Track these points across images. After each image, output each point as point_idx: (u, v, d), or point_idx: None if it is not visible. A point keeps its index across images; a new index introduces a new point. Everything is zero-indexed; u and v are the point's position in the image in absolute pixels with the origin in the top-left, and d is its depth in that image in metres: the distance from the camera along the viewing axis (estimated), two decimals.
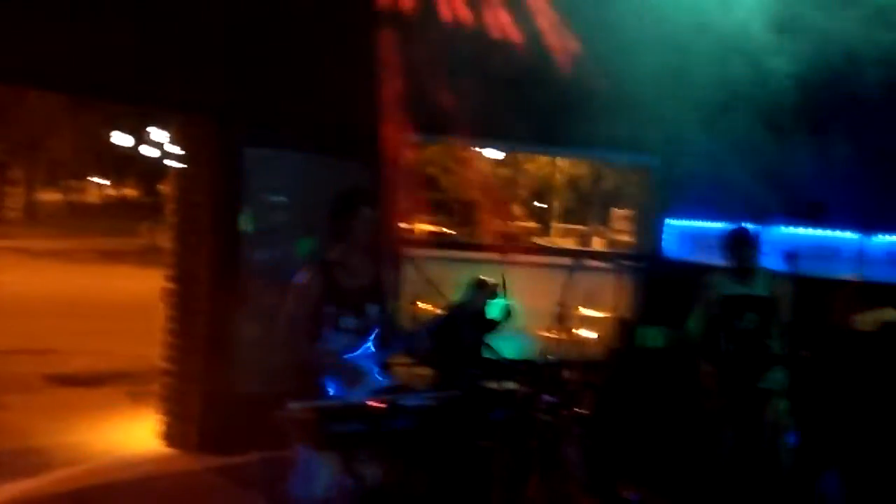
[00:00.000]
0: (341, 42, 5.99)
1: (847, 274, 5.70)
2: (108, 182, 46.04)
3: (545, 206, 34.13)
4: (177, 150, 6.34)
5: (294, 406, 3.38)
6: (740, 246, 4.87)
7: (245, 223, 5.92)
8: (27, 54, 5.16)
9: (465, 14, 6.21)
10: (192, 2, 5.67)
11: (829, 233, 5.88)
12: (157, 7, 5.55)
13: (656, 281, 6.88)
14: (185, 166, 6.23)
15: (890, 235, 5.88)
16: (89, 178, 43.14)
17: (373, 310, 3.97)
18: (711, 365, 4.90)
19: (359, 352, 3.95)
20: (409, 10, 5.97)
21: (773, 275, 4.90)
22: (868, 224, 6.14)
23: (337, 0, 6.02)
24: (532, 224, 35.15)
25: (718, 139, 6.98)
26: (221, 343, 5.91)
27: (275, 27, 5.83)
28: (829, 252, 5.88)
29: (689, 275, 6.37)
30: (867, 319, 4.70)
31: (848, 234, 5.88)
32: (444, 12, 6.18)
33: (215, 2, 5.75)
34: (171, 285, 6.23)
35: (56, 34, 5.19)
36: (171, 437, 6.12)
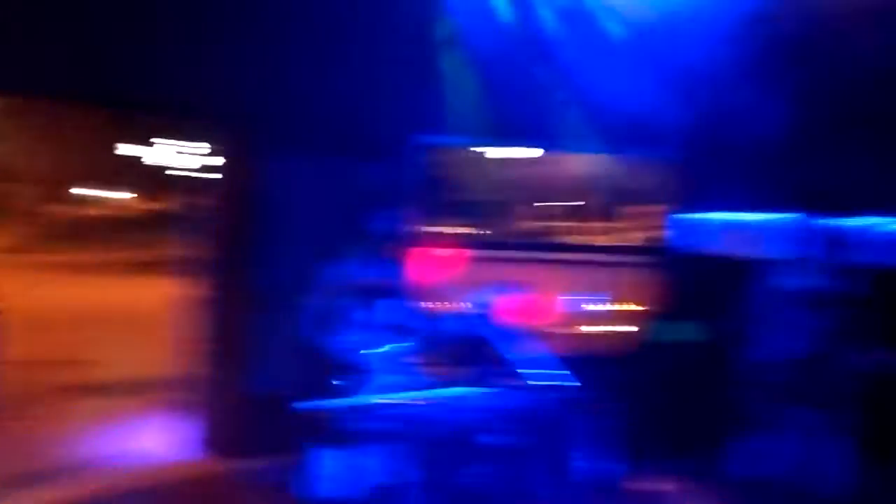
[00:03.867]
0: (364, 47, 6.03)
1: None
2: (123, 195, 46.32)
3: (571, 204, 34.14)
4: (192, 160, 6.40)
5: (305, 406, 3.41)
6: (811, 235, 4.66)
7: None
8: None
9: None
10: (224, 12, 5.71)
11: (851, 221, 5.81)
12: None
13: (682, 275, 6.86)
14: (208, 174, 6.27)
15: None
16: (103, 190, 43.42)
17: (392, 306, 4.03)
18: (762, 361, 4.65)
19: (377, 348, 3.99)
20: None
21: (826, 266, 4.66)
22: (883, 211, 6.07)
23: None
24: (558, 223, 35.14)
25: (735, 134, 6.97)
26: (246, 348, 5.95)
27: (296, 32, 5.87)
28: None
29: (715, 268, 6.37)
30: None
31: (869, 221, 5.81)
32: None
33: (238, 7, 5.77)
34: (194, 293, 6.27)
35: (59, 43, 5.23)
36: (195, 442, 6.18)
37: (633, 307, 6.20)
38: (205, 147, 6.32)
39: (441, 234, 6.83)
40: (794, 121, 6.81)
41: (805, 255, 4.54)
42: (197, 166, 6.35)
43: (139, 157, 34.33)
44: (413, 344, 4.13)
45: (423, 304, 5.63)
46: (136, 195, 46.27)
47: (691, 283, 6.51)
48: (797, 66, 6.63)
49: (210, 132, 6.23)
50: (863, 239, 5.36)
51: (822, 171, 6.62)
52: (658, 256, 7.20)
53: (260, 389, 5.88)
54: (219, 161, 6.17)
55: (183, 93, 5.68)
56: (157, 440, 6.40)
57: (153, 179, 39.73)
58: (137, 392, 8.03)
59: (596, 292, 5.07)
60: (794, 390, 4.47)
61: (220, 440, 6.02)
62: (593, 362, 5.48)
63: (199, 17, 5.53)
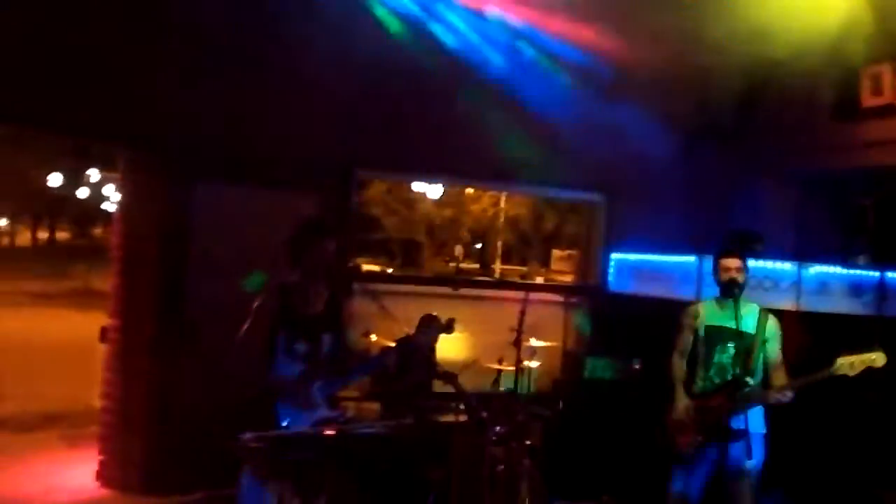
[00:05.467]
0: (288, 77, 6.01)
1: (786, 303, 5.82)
2: (39, 225, 44.83)
3: (485, 246, 34.35)
4: (114, 191, 6.26)
5: (246, 436, 3.33)
6: (728, 264, 4.45)
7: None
8: None
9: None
10: (147, 35, 5.63)
11: (766, 264, 6.02)
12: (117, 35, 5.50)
13: (602, 313, 6.98)
14: (130, 202, 6.13)
15: (822, 266, 6.04)
16: (20, 220, 41.96)
17: (327, 338, 3.97)
18: (689, 399, 4.52)
19: (311, 379, 3.93)
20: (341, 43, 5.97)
21: (758, 308, 4.55)
22: (802, 255, 6.31)
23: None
24: (474, 265, 35.34)
25: (660, 177, 7.17)
26: (165, 381, 5.77)
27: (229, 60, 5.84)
28: (768, 283, 6.02)
29: (633, 307, 6.51)
30: (851, 363, 4.07)
31: (785, 266, 6.03)
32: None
33: (168, 35, 5.71)
34: (112, 324, 6.08)
35: None
36: (111, 478, 5.93)
37: (556, 344, 6.27)
38: (132, 175, 6.13)
39: (368, 269, 6.83)
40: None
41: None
42: (124, 195, 6.17)
43: (60, 189, 33.24)
44: (344, 376, 4.08)
45: (354, 338, 5.59)
46: (49, 226, 44.91)
47: (614, 322, 6.63)
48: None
49: (138, 159, 6.06)
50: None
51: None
52: (583, 295, 7.33)
53: (184, 424, 5.68)
54: (146, 188, 6.01)
55: (115, 120, 5.57)
56: (67, 476, 6.11)
57: (73, 212, 38.62)
58: (42, 427, 7.70)
59: (519, 329, 5.13)
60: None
61: (137, 476, 5.79)
62: (523, 398, 5.51)
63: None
